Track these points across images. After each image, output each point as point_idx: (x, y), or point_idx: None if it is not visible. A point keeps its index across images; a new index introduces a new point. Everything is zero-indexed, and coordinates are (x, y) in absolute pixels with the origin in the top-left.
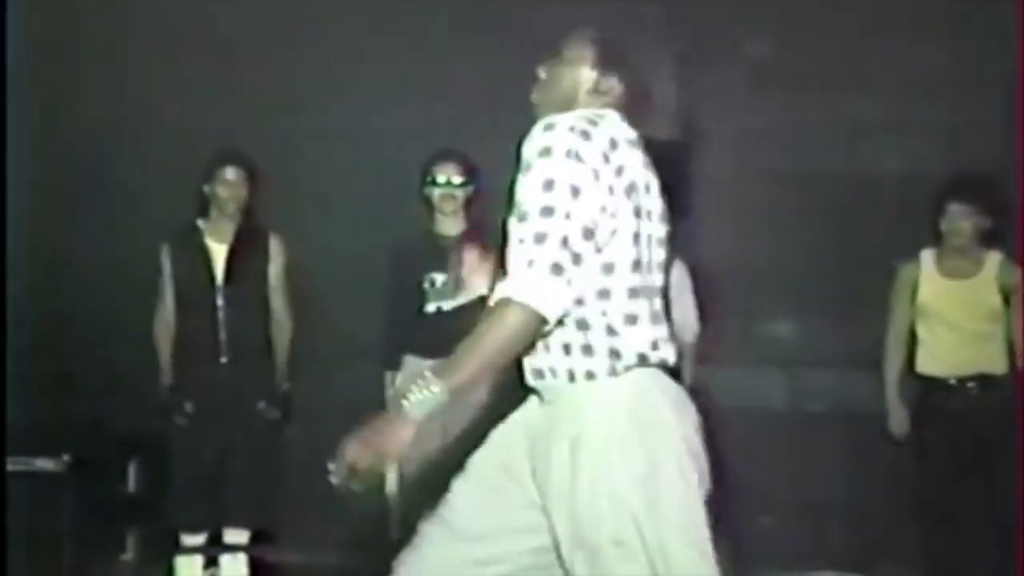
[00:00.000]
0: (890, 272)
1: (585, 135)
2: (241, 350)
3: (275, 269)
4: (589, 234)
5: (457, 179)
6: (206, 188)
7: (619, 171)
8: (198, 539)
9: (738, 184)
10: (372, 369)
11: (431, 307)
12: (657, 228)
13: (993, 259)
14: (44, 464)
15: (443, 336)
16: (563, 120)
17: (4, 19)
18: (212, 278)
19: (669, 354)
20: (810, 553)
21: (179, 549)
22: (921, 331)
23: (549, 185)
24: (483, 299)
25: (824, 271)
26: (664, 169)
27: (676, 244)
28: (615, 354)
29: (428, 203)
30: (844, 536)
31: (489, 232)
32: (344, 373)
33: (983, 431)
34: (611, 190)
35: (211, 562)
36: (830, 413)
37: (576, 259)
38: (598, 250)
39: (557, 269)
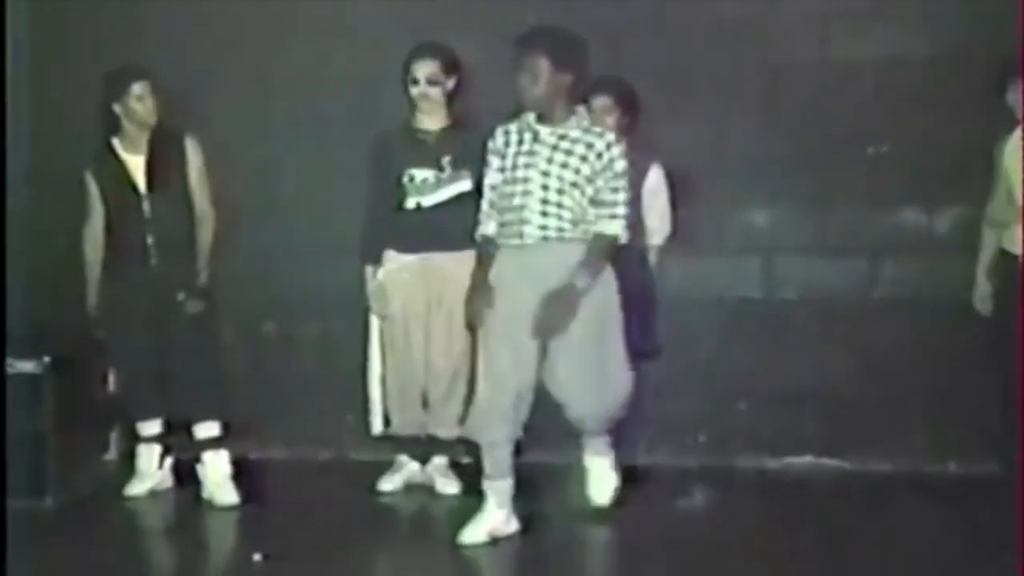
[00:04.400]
0: (870, 158)
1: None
2: (168, 251)
3: (194, 169)
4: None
5: (437, 76)
6: (116, 107)
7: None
8: (153, 428)
9: (711, 75)
10: (349, 266)
11: (411, 203)
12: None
13: None
14: (24, 366)
15: (422, 232)
16: None
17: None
18: (135, 189)
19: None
20: (787, 439)
21: (139, 439)
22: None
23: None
24: (461, 196)
25: (798, 160)
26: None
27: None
28: None
29: (409, 98)
30: (820, 423)
31: (472, 126)
32: (321, 270)
33: None
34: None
35: (166, 451)
36: (805, 300)
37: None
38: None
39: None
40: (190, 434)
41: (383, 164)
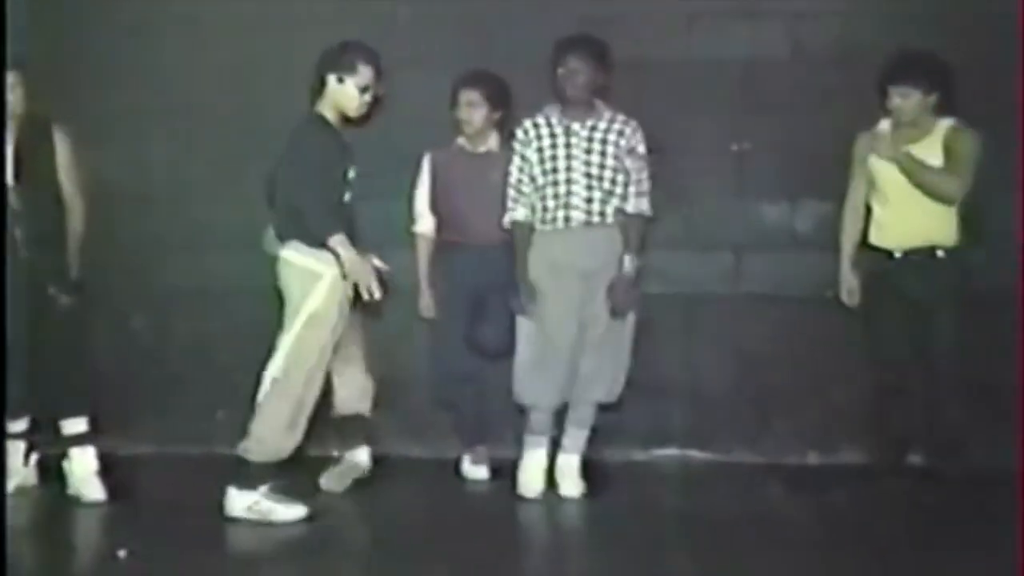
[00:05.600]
0: (734, 154)
1: None
2: (38, 243)
3: (62, 159)
4: None
5: (375, 85)
6: None
7: None
8: (19, 425)
9: None
10: (221, 259)
11: (348, 198)
12: None
13: (942, 125)
14: None
15: (351, 227)
16: None
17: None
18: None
19: None
20: (654, 431)
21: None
22: (872, 202)
23: None
24: None
25: (665, 156)
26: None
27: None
28: None
29: (338, 96)
30: (686, 415)
31: None
32: (193, 264)
33: (928, 304)
34: None
35: (31, 447)
36: (670, 294)
37: None
38: None
39: None
40: (56, 430)
41: (336, 157)
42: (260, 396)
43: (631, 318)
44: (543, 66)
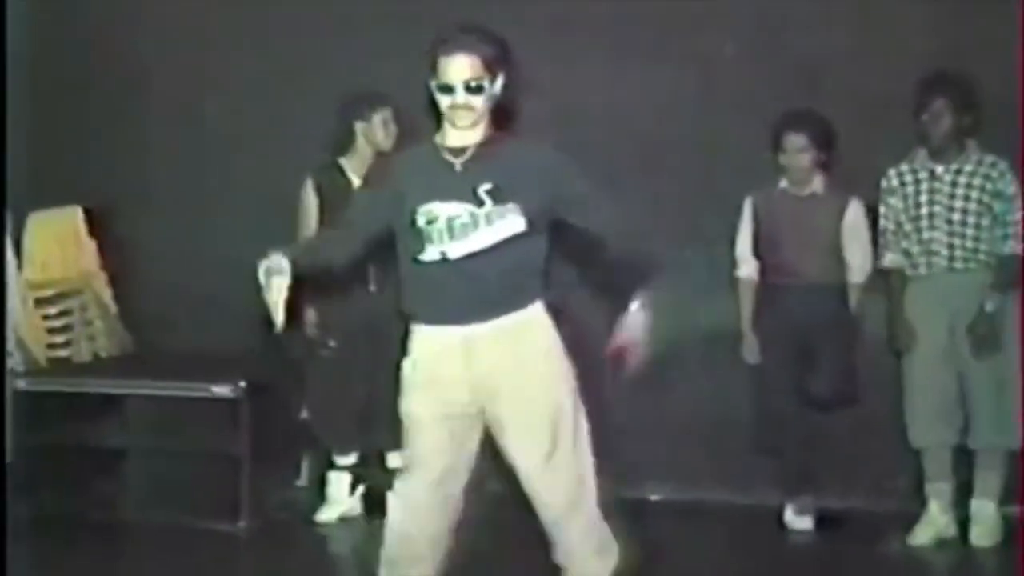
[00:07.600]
0: None
1: None
2: (387, 278)
3: None
4: None
5: (476, 80)
6: (359, 126)
7: None
8: (348, 459)
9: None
10: None
11: (431, 254)
12: None
13: None
14: (221, 390)
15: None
16: None
17: None
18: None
19: None
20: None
21: (331, 465)
22: None
23: None
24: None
25: None
26: None
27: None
28: None
29: (434, 106)
30: None
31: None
32: None
33: None
34: None
35: (357, 480)
36: None
37: None
38: None
39: None
40: (383, 462)
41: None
42: None
43: (1015, 358)
44: (870, 105)
